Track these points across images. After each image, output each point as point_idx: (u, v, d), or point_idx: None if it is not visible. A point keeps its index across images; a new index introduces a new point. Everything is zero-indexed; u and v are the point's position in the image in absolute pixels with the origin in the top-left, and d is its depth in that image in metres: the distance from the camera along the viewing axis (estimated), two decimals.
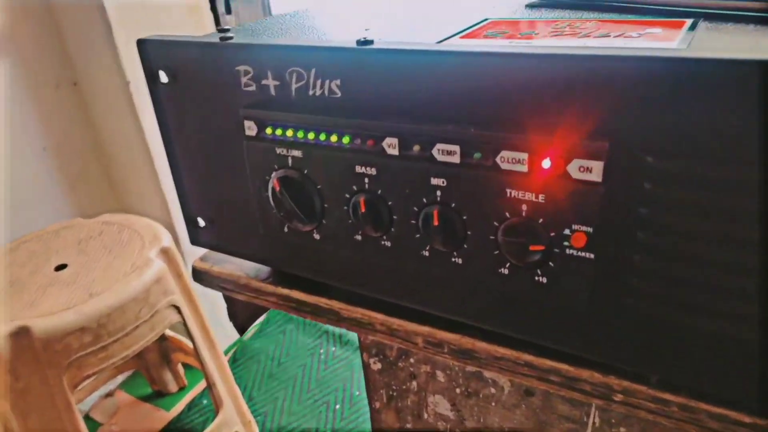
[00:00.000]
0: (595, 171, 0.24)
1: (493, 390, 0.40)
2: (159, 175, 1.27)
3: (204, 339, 1.11)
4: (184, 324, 1.06)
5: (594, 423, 0.36)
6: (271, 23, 0.43)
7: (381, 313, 0.37)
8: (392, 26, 0.39)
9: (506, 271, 0.29)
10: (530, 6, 0.39)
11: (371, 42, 0.29)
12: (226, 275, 0.43)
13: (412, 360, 0.42)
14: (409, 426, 0.45)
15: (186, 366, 1.51)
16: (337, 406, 1.38)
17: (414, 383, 0.43)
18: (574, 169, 0.24)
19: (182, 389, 1.50)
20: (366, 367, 0.45)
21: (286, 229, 0.36)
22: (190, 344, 1.12)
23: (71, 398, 0.91)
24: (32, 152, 1.23)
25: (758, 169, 0.21)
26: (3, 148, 1.18)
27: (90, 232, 1.10)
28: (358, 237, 0.33)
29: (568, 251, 0.26)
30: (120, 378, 1.53)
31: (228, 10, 1.57)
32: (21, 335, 0.86)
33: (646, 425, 0.35)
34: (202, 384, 1.45)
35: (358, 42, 0.29)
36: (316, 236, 0.35)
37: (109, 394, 1.49)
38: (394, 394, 0.45)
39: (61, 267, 1.01)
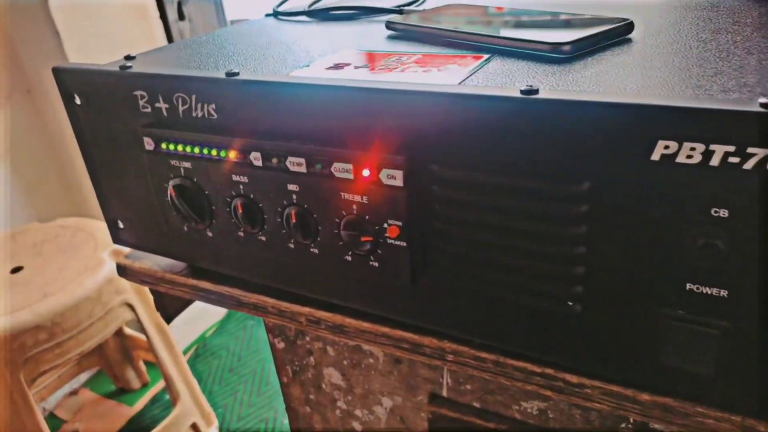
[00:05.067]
0: (398, 178, 0.31)
1: (371, 360, 0.47)
2: None
3: (159, 335, 1.16)
4: (138, 321, 1.11)
5: (447, 382, 0.44)
6: (176, 49, 0.49)
7: (272, 298, 0.43)
8: (274, 54, 0.45)
9: (350, 258, 0.35)
10: (389, 38, 0.46)
11: (237, 74, 0.35)
12: (145, 270, 0.49)
13: (307, 338, 0.49)
14: (312, 397, 0.52)
15: (148, 363, 1.55)
16: None
17: (311, 358, 0.50)
18: (384, 176, 0.31)
19: (145, 386, 1.54)
20: (272, 346, 0.51)
21: (185, 228, 0.42)
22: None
23: (28, 392, 0.95)
24: None
25: (502, 174, 0.28)
26: None
27: (45, 235, 1.15)
28: (241, 234, 0.39)
29: (388, 241, 0.33)
30: (84, 376, 1.56)
31: (181, 17, 1.61)
32: None
33: (484, 382, 0.42)
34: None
35: (227, 73, 0.35)
36: (209, 233, 0.41)
37: (74, 393, 1.53)
38: (297, 369, 0.51)
39: (17, 269, 1.06)
